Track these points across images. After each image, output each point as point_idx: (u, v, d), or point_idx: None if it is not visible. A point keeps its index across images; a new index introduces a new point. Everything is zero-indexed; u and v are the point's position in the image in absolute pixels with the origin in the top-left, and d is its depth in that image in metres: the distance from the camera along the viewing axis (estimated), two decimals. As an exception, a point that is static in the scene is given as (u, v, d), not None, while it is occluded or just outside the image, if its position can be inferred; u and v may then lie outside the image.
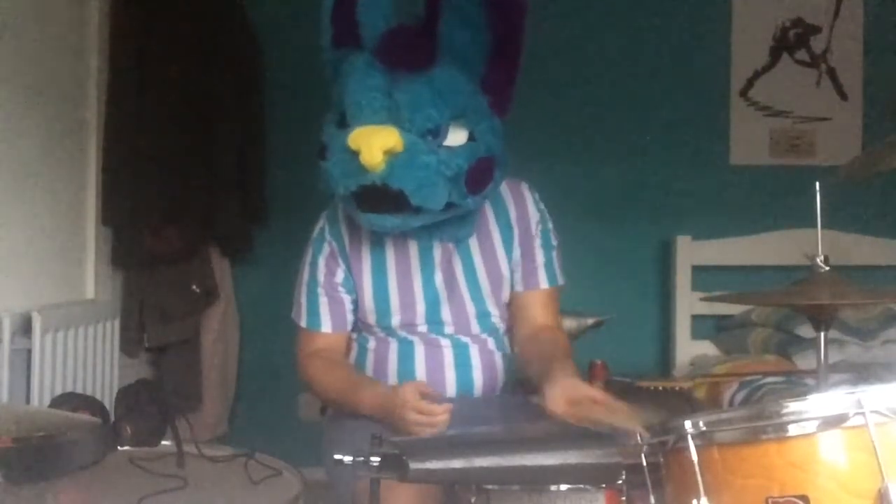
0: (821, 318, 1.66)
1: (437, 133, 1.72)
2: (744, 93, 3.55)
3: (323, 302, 1.93)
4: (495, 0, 1.73)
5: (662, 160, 3.50)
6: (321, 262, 1.93)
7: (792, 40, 3.55)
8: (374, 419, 1.73)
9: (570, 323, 2.57)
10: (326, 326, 1.93)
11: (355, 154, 1.65)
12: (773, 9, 3.54)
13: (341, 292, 1.93)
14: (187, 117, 2.99)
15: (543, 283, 1.95)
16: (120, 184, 2.85)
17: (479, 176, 1.77)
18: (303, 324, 1.95)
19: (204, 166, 3.08)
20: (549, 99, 3.31)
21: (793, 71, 3.55)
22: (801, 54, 3.55)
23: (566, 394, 1.58)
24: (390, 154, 1.65)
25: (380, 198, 1.70)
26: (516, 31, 1.77)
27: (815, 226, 1.64)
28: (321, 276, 1.93)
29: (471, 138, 1.75)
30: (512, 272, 1.94)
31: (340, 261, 1.92)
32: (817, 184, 1.65)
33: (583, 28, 3.44)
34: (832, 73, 3.55)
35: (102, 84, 2.85)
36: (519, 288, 1.95)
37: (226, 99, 3.17)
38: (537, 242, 1.94)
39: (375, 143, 1.64)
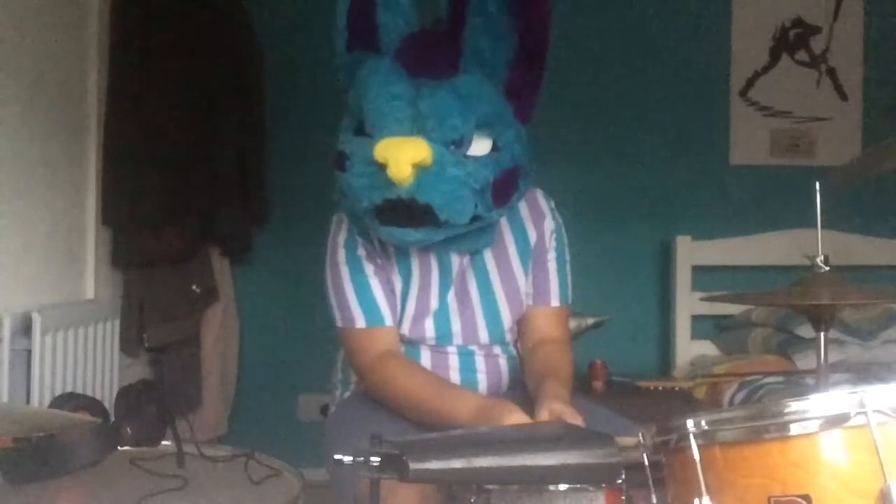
0: (821, 318, 1.65)
1: (461, 143, 1.67)
2: (744, 93, 3.55)
3: (378, 293, 1.81)
4: (520, 5, 1.69)
5: (662, 160, 3.50)
6: (362, 256, 1.83)
7: (792, 40, 3.55)
8: (452, 426, 1.61)
9: (570, 323, 2.57)
10: (388, 319, 1.81)
11: (381, 167, 1.59)
12: (773, 9, 3.54)
13: (392, 283, 1.84)
14: (187, 117, 2.99)
15: (555, 301, 1.91)
16: (120, 184, 2.84)
17: (504, 187, 1.72)
18: (360, 325, 1.81)
19: (204, 166, 3.08)
20: (549, 99, 3.29)
21: (793, 71, 3.55)
22: (801, 54, 3.55)
23: (550, 418, 1.57)
24: (418, 167, 1.59)
25: (406, 212, 1.64)
26: (540, 37, 1.72)
27: (815, 226, 1.64)
28: (368, 269, 1.82)
29: (494, 147, 1.71)
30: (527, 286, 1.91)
31: (377, 258, 1.84)
32: (817, 184, 1.64)
33: (582, 28, 3.44)
34: (832, 73, 3.55)
35: (102, 84, 2.85)
36: (529, 302, 1.91)
37: (226, 99, 3.17)
38: (551, 256, 1.91)
39: (404, 156, 1.57)
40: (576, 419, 1.57)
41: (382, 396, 1.80)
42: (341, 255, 1.84)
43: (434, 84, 1.67)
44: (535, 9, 1.71)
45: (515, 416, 1.56)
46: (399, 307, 1.86)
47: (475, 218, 1.71)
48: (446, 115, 1.65)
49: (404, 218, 1.66)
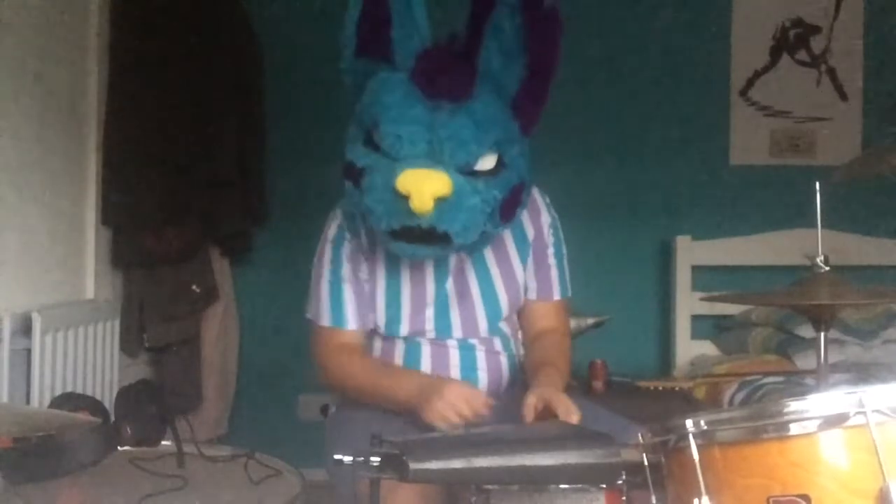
0: (821, 318, 1.66)
1: (471, 163, 1.73)
2: (744, 93, 3.55)
3: (349, 298, 1.88)
4: (535, 28, 1.71)
5: (662, 160, 3.50)
6: (344, 257, 1.89)
7: (792, 40, 3.55)
8: (400, 407, 1.75)
9: (570, 323, 2.57)
10: (352, 324, 1.88)
11: (403, 196, 1.65)
12: (773, 9, 3.54)
13: (367, 288, 1.90)
14: (187, 117, 2.98)
15: (556, 295, 1.98)
16: (120, 184, 2.84)
17: (511, 205, 1.80)
18: (325, 322, 1.89)
19: (204, 166, 3.08)
20: (549, 99, 3.31)
21: (793, 71, 3.55)
22: (801, 54, 3.55)
23: (538, 403, 1.64)
24: (439, 199, 1.66)
25: (423, 237, 1.71)
26: (553, 57, 1.75)
27: (815, 226, 1.64)
28: (345, 272, 1.89)
29: (500, 162, 1.76)
30: (526, 279, 1.96)
31: (363, 258, 1.89)
32: (817, 184, 1.65)
33: (583, 28, 3.42)
34: (832, 73, 3.55)
35: (102, 83, 2.85)
36: (532, 296, 1.97)
37: (226, 99, 3.16)
38: (551, 251, 1.97)
39: (427, 190, 1.64)
40: (562, 403, 1.63)
41: (336, 383, 1.90)
42: (326, 252, 1.91)
43: (451, 108, 1.71)
44: (548, 29, 1.74)
45: (456, 386, 1.70)
46: (391, 303, 1.89)
47: (483, 234, 1.79)
48: (463, 142, 1.71)
49: (419, 240, 1.73)
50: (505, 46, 1.72)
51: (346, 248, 1.89)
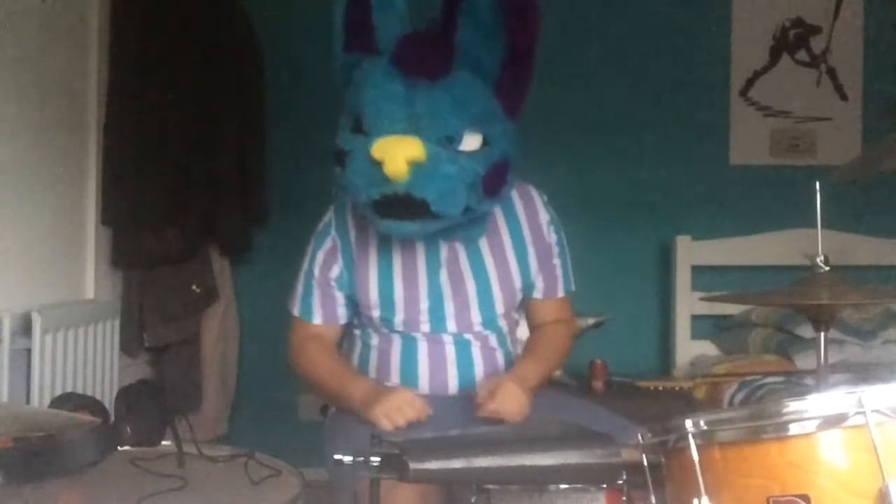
0: (821, 318, 1.66)
1: (454, 139, 1.76)
2: (744, 93, 3.55)
3: (316, 295, 1.97)
4: (511, 7, 1.75)
5: (662, 160, 3.50)
6: (320, 255, 1.96)
7: (792, 40, 3.55)
8: (355, 410, 1.82)
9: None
10: (317, 318, 1.97)
11: (378, 164, 1.70)
12: (773, 9, 3.54)
13: (335, 288, 1.95)
14: (187, 117, 2.99)
15: (560, 292, 2.02)
16: (120, 184, 2.85)
17: (494, 180, 1.82)
18: (295, 312, 1.99)
19: (204, 166, 3.08)
20: (549, 98, 3.29)
21: (793, 71, 3.55)
22: (801, 54, 3.55)
23: (491, 387, 1.77)
24: (413, 164, 1.69)
25: (402, 206, 1.74)
26: (531, 37, 1.79)
27: (815, 226, 1.64)
28: (317, 270, 1.96)
29: (485, 142, 1.79)
30: (532, 281, 1.98)
31: (340, 257, 1.95)
32: (817, 184, 1.65)
33: (583, 28, 3.44)
34: (832, 73, 3.55)
35: (102, 84, 2.85)
36: (539, 296, 2.00)
37: (226, 99, 3.16)
38: (555, 251, 2.00)
39: (400, 154, 1.68)
40: (501, 395, 1.73)
41: (300, 371, 2.00)
42: (310, 245, 2.01)
43: (428, 84, 1.75)
44: (525, 13, 1.77)
45: (402, 392, 1.79)
46: (385, 294, 1.92)
47: (468, 210, 1.80)
48: (440, 114, 1.75)
49: (401, 211, 1.76)
50: (481, 25, 1.76)
51: (327, 246, 1.96)
